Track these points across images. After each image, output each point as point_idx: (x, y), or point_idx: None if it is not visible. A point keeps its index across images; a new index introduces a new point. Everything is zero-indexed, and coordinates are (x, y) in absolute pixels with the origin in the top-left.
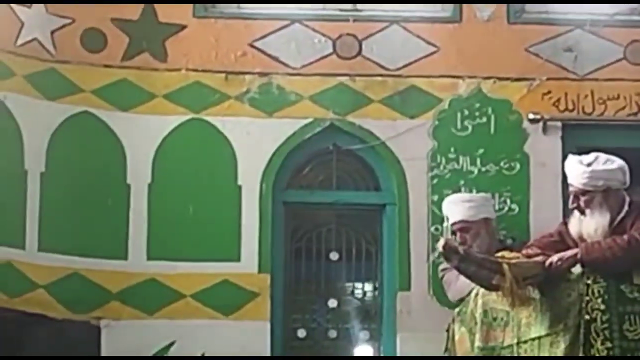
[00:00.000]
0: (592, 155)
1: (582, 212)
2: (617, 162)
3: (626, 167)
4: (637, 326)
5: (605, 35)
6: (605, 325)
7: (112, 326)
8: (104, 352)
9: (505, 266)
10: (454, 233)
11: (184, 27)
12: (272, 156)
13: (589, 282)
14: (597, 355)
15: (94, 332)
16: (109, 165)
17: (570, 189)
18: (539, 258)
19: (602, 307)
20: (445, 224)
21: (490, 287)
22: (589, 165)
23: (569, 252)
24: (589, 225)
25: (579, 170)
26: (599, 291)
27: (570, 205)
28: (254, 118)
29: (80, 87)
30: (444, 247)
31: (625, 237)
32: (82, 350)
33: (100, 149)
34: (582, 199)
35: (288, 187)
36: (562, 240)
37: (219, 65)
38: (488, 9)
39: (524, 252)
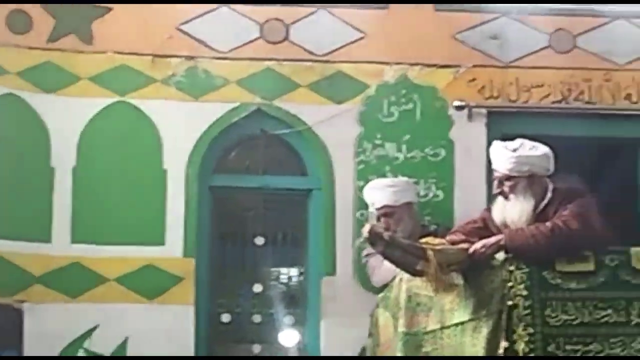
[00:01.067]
0: (518, 141)
1: (506, 198)
2: (542, 149)
3: (551, 154)
4: (559, 312)
5: (530, 23)
6: (528, 311)
7: (35, 310)
8: (26, 336)
9: (430, 252)
10: (378, 218)
11: (110, 9)
12: (198, 140)
13: (512, 268)
14: (518, 340)
15: (17, 315)
16: (33, 148)
17: (495, 174)
18: (464, 245)
19: (525, 293)
20: (370, 210)
21: (414, 273)
22: (514, 150)
23: (493, 239)
24: (513, 211)
25: (504, 155)
26: (521, 277)
27: (495, 191)
28: (180, 102)
29: (5, 69)
30: (369, 232)
31: (549, 224)
32: (3, 334)
33: (24, 132)
34: (507, 184)
35: (214, 172)
36: (485, 226)
37: (145, 48)
38: None
39: (448, 238)
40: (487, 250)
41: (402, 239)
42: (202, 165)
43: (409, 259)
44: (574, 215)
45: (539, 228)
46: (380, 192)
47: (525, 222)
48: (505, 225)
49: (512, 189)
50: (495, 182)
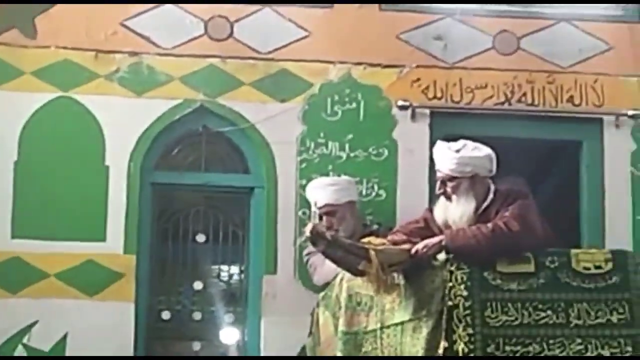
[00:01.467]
0: (461, 142)
1: (449, 198)
2: (485, 150)
3: (493, 155)
4: (499, 313)
5: (474, 24)
6: (468, 311)
7: None
8: None
9: (372, 252)
10: (321, 217)
11: (54, 4)
12: (140, 136)
13: (453, 269)
14: (458, 340)
15: None
16: None
17: (438, 174)
18: (405, 245)
19: (465, 293)
20: (313, 209)
21: (356, 273)
22: (457, 151)
23: (434, 240)
24: (455, 211)
25: (447, 155)
26: (462, 278)
27: (437, 191)
28: (123, 98)
29: None
30: (311, 232)
31: (490, 225)
32: None
33: None
34: (450, 185)
35: (156, 168)
36: (427, 226)
37: (89, 43)
38: None
39: (389, 238)
40: (428, 251)
41: (344, 239)
42: (144, 162)
43: (350, 259)
44: (515, 217)
45: (480, 229)
46: (322, 191)
47: (467, 222)
48: (447, 226)
49: (455, 189)
50: (438, 183)
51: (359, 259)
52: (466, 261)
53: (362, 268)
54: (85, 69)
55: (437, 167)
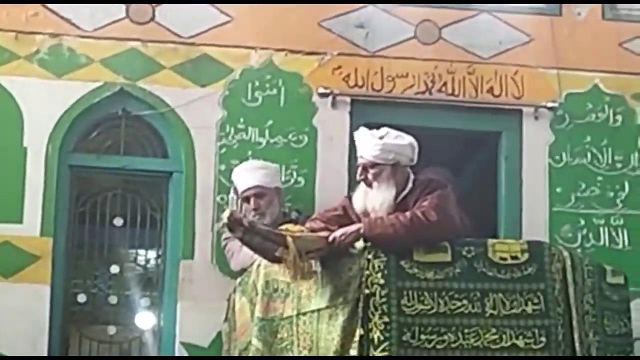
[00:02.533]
0: (384, 129)
1: (369, 185)
2: (408, 139)
3: (415, 144)
4: (415, 302)
5: (396, 13)
6: (384, 299)
7: None
8: None
9: (290, 239)
10: (246, 200)
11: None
12: (59, 119)
13: (370, 257)
14: (374, 328)
15: None
16: None
17: (360, 160)
18: (324, 233)
19: (382, 281)
20: (231, 195)
21: (273, 260)
22: (380, 138)
23: (353, 227)
24: (375, 199)
25: (371, 142)
26: (379, 266)
27: (358, 177)
28: (43, 79)
29: None
30: (229, 218)
31: (408, 214)
32: None
33: None
34: (371, 171)
35: (75, 151)
36: (345, 214)
37: (9, 24)
38: None
39: (307, 225)
40: (346, 239)
41: (262, 226)
42: (62, 144)
43: (267, 246)
44: (433, 207)
45: (398, 218)
46: (252, 173)
47: (387, 210)
48: (366, 214)
49: (376, 176)
50: (359, 169)
51: (276, 245)
52: (383, 249)
53: (279, 255)
54: (5, 50)
55: (359, 153)
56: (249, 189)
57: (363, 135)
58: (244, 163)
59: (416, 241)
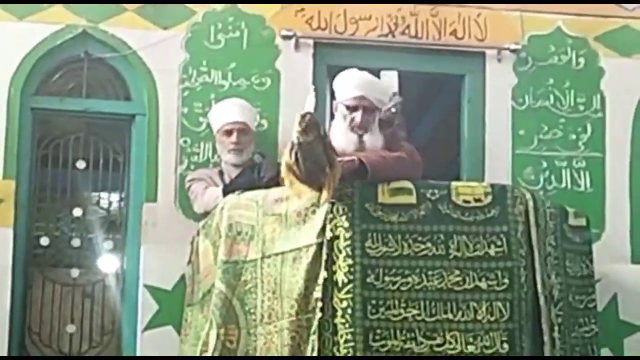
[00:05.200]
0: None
1: (363, 130)
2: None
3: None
4: (379, 244)
5: None
6: (348, 242)
7: None
8: None
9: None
10: (227, 134)
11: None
12: (21, 61)
13: (334, 200)
14: (338, 271)
15: None
16: None
17: (362, 102)
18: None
19: (346, 224)
20: (310, 97)
21: (310, 182)
22: (379, 79)
23: (346, 158)
24: (373, 141)
25: (376, 84)
26: (343, 209)
27: (359, 121)
28: (4, 21)
29: None
30: (306, 118)
31: (395, 154)
32: None
33: None
34: (371, 115)
35: (37, 94)
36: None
37: None
38: None
39: None
40: (344, 165)
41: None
42: (24, 87)
43: (321, 162)
44: (409, 152)
45: (388, 154)
46: (239, 109)
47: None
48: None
49: (372, 121)
50: (359, 112)
51: (327, 164)
52: (373, 181)
53: (324, 178)
54: None
55: (362, 93)
56: (235, 122)
57: (367, 76)
58: (228, 99)
59: (405, 177)
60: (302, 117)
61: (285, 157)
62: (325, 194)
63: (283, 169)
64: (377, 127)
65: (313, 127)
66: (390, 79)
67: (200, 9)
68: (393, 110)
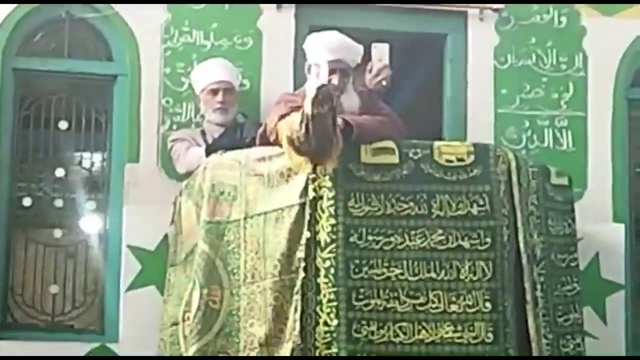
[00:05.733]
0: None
1: (339, 91)
2: None
3: None
4: (362, 203)
5: None
6: (331, 202)
7: None
8: None
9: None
10: (213, 93)
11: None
12: (2, 22)
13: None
14: (321, 231)
15: None
16: None
17: (339, 65)
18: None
19: (329, 184)
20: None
21: (321, 155)
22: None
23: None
24: (351, 102)
25: (352, 46)
26: (326, 169)
27: (337, 82)
28: None
29: None
30: (321, 90)
31: (379, 117)
32: None
33: None
34: (347, 76)
35: (18, 54)
36: None
37: None
38: None
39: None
40: None
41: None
42: (6, 47)
43: (329, 134)
44: (389, 115)
45: (372, 117)
46: (224, 69)
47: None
48: None
49: (347, 82)
50: (337, 73)
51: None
52: (359, 141)
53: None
54: None
55: (340, 56)
56: (221, 81)
57: (341, 38)
58: (213, 59)
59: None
60: (319, 89)
61: (287, 129)
62: (330, 165)
63: (284, 141)
64: (352, 88)
65: (328, 99)
66: (380, 51)
67: None
68: (384, 83)
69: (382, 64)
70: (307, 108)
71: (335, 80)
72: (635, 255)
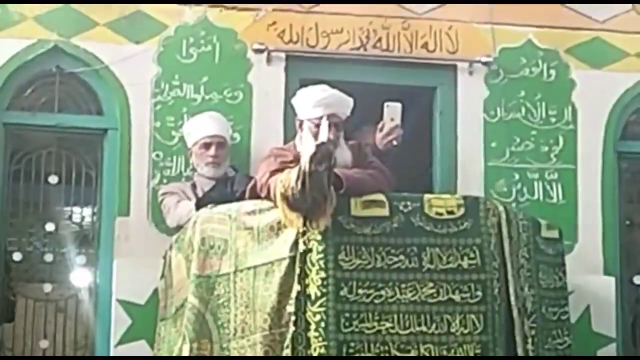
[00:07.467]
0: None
1: (333, 144)
2: None
3: None
4: (352, 256)
5: None
6: (321, 255)
7: None
8: None
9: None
10: (205, 147)
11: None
12: None
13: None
14: (311, 284)
15: None
16: None
17: (333, 119)
18: None
19: (319, 237)
20: (323, 122)
21: (315, 212)
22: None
23: None
24: (344, 156)
25: (344, 99)
26: (319, 226)
27: (330, 135)
28: None
29: None
30: (321, 148)
31: (370, 170)
32: None
33: None
34: (340, 131)
35: (9, 108)
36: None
37: None
38: None
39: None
40: None
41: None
42: None
43: (325, 191)
44: (379, 169)
45: (364, 171)
46: (217, 122)
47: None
48: None
49: (336, 137)
50: (332, 128)
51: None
52: (351, 194)
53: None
54: None
55: (333, 110)
56: (214, 135)
57: (334, 92)
58: (206, 113)
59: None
60: (318, 147)
61: (280, 185)
62: (322, 222)
63: (277, 198)
64: (344, 142)
65: (327, 157)
66: (393, 111)
67: (172, 22)
68: (394, 143)
69: (394, 123)
70: (305, 165)
71: (331, 134)
72: (625, 309)
